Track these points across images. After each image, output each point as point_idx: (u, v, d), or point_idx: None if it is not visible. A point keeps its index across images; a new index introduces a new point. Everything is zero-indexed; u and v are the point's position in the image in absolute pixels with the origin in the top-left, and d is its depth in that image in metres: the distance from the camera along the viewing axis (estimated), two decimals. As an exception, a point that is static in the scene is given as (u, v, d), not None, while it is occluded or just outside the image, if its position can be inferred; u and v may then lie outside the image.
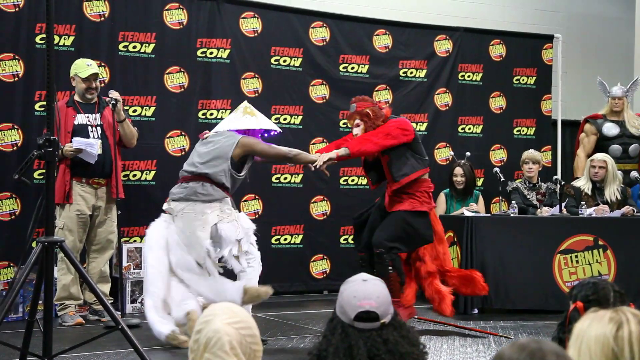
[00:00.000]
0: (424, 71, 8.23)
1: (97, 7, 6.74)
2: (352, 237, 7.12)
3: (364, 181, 7.88)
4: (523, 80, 8.74)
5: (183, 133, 7.07)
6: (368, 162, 5.88)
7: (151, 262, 5.08)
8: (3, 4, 6.38)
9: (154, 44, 6.97)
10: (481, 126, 8.50)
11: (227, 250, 5.01)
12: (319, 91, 7.75)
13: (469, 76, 8.48)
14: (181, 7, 7.07)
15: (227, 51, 7.29)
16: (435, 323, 6.04)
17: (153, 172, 6.96)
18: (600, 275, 6.46)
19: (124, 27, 6.86)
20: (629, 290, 3.43)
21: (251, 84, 7.42)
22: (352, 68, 7.91)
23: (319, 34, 7.76)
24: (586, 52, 9.48)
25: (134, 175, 6.90)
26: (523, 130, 8.71)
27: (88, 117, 6.06)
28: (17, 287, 3.86)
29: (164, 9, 7.01)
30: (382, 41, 8.06)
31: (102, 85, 6.35)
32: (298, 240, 7.61)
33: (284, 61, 7.59)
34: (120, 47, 6.84)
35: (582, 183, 7.22)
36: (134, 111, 6.84)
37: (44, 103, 3.94)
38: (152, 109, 6.97)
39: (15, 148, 6.39)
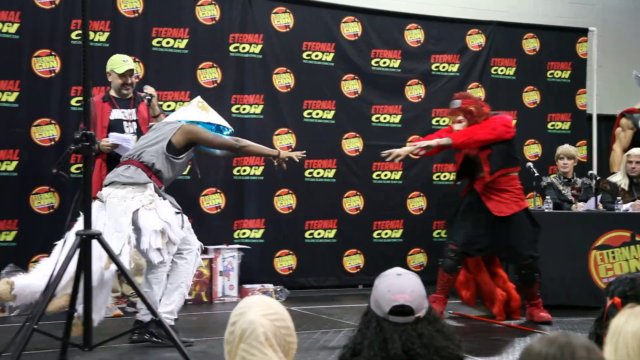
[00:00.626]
0: (457, 65, 8.18)
1: (130, 3, 6.80)
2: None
3: (397, 176, 7.88)
4: (557, 74, 8.65)
5: (216, 128, 7.11)
6: (469, 156, 5.96)
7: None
8: (39, 1, 6.46)
9: (187, 40, 7.02)
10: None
11: (146, 240, 4.71)
12: (351, 86, 7.74)
13: (502, 70, 8.42)
14: (213, 2, 7.11)
15: (260, 46, 7.31)
16: (472, 319, 6.02)
17: (188, 167, 7.00)
18: (638, 271, 6.38)
19: (158, 23, 6.92)
20: (666, 285, 3.37)
21: (283, 79, 7.44)
22: (384, 63, 7.89)
23: (351, 28, 7.75)
24: (621, 46, 9.35)
25: (168, 170, 6.94)
26: (557, 125, 8.62)
27: (124, 112, 6.11)
28: (57, 279, 3.92)
29: (196, 4, 7.06)
30: (413, 35, 8.03)
31: (137, 80, 6.40)
32: (331, 235, 7.62)
33: (316, 56, 7.59)
34: (154, 42, 6.90)
35: (619, 178, 7.17)
36: (168, 106, 6.89)
37: (80, 98, 3.99)
38: (186, 104, 7.00)
39: (53, 143, 6.49)
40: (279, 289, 7.03)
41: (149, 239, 4.69)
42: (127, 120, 6.10)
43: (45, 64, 6.49)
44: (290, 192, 7.44)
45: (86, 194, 3.97)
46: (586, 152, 8.63)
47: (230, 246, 6.94)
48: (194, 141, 5.10)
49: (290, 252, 7.45)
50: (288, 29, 7.47)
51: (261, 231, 7.32)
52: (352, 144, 7.73)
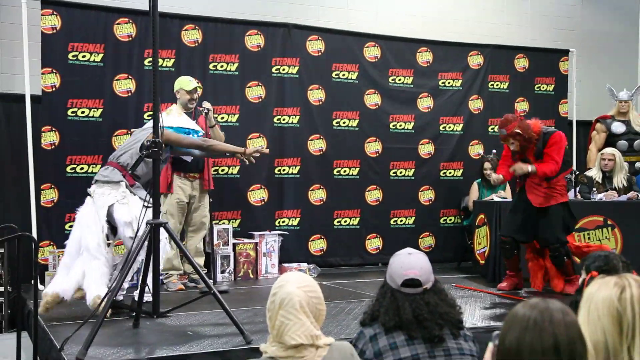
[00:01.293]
0: (460, 81, 8.13)
1: (192, 35, 6.86)
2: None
3: (410, 173, 7.86)
4: (543, 87, 8.56)
5: (261, 135, 7.15)
6: (515, 157, 5.68)
7: (70, 239, 4.69)
8: (119, 35, 6.55)
9: (237, 64, 7.06)
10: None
11: (121, 230, 4.57)
12: (372, 99, 7.73)
13: (497, 85, 8.35)
14: (259, 33, 7.14)
15: (297, 68, 7.33)
16: (471, 290, 5.99)
17: (237, 167, 7.05)
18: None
19: (214, 51, 6.96)
20: (633, 261, 3.34)
21: (316, 95, 7.45)
22: (399, 80, 7.87)
23: (372, 52, 7.73)
24: (597, 63, 9.22)
25: (222, 170, 7.00)
26: (543, 130, 8.52)
27: (189, 123, 6.14)
28: (131, 259, 3.98)
29: (245, 34, 7.09)
30: (424, 57, 7.99)
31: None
32: (355, 222, 7.62)
33: (343, 75, 7.59)
34: (210, 66, 6.95)
35: (594, 173, 7.10)
36: (222, 118, 6.94)
37: (151, 113, 4.03)
38: (236, 116, 7.07)
39: (129, 149, 6.55)
40: (312, 267, 7.04)
41: (123, 229, 4.57)
42: (190, 130, 6.12)
43: (124, 85, 6.57)
44: (322, 187, 7.45)
45: (155, 190, 4.03)
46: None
47: (272, 232, 6.95)
48: (165, 142, 4.83)
49: (322, 237, 7.46)
50: (320, 53, 7.48)
51: (297, 219, 7.34)
52: (373, 147, 7.73)
